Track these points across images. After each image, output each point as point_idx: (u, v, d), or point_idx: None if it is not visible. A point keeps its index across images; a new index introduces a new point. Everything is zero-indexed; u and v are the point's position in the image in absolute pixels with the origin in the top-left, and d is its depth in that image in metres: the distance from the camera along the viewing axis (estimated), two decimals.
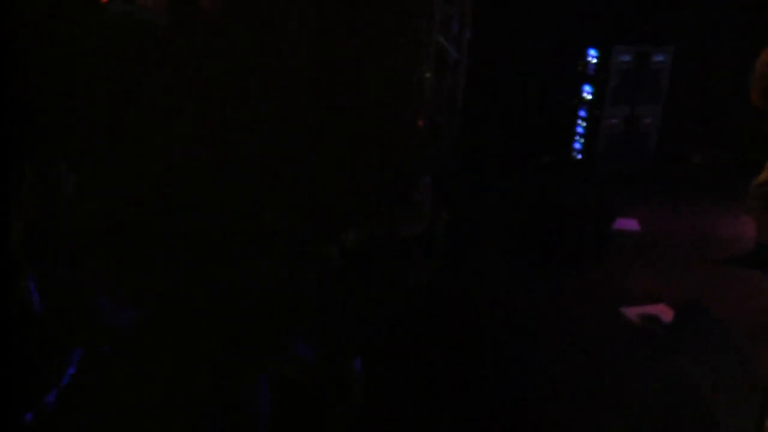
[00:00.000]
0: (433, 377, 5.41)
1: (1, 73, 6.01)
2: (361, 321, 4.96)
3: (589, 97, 9.39)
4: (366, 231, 4.88)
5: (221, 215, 5.11)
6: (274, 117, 6.99)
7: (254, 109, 7.04)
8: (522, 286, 6.82)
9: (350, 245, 5.02)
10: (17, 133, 6.21)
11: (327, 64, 7.55)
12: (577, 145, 9.57)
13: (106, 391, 4.88)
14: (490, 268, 6.91)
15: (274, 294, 5.06)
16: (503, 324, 6.29)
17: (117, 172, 6.58)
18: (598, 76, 9.27)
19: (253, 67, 7.11)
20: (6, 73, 6.09)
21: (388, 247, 4.94)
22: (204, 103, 7.12)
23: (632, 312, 6.40)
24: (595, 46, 9.28)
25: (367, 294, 4.78)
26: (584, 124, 9.47)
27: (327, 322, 4.98)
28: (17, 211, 5.21)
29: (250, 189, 6.10)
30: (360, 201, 6.03)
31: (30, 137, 6.19)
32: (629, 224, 8.09)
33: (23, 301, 5.14)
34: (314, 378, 4.77)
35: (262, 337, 4.63)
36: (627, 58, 9.21)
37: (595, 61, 9.29)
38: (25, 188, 5.24)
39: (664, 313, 6.35)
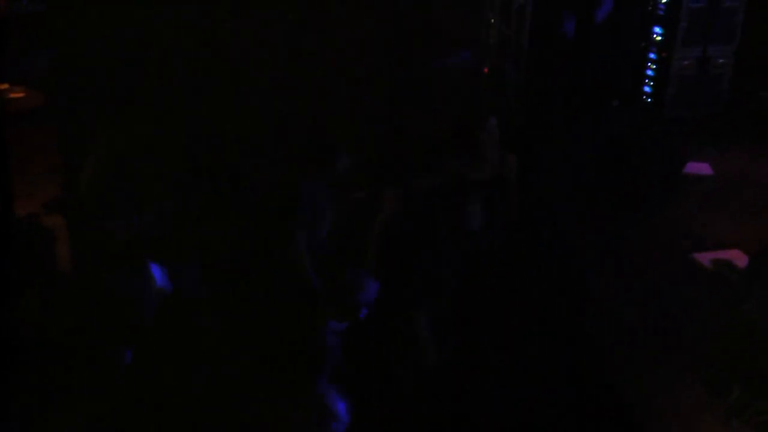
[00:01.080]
0: (503, 322, 5.41)
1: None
2: (425, 269, 4.94)
3: (659, 38, 9.14)
4: (432, 175, 4.85)
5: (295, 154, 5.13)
6: (345, 65, 6.99)
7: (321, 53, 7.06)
8: (592, 231, 6.75)
9: (414, 189, 4.99)
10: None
11: (391, 12, 7.51)
12: (647, 89, 9.35)
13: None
14: (559, 212, 6.84)
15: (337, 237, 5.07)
16: (573, 269, 6.24)
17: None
18: (668, 17, 9.00)
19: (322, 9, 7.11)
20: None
21: (456, 191, 4.90)
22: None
23: (705, 258, 6.29)
24: None
25: (432, 240, 4.76)
26: (654, 66, 9.24)
27: (391, 269, 4.98)
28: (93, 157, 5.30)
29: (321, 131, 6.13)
30: (425, 146, 6.01)
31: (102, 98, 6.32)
32: (701, 168, 7.91)
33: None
34: (381, 327, 4.79)
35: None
36: None
37: (665, 0, 9.03)
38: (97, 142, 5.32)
39: (738, 258, 6.22)
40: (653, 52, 9.23)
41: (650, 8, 9.13)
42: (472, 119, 4.97)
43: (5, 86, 6.41)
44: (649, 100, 9.30)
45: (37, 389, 4.68)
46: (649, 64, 9.27)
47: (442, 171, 4.85)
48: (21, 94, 6.42)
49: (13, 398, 4.58)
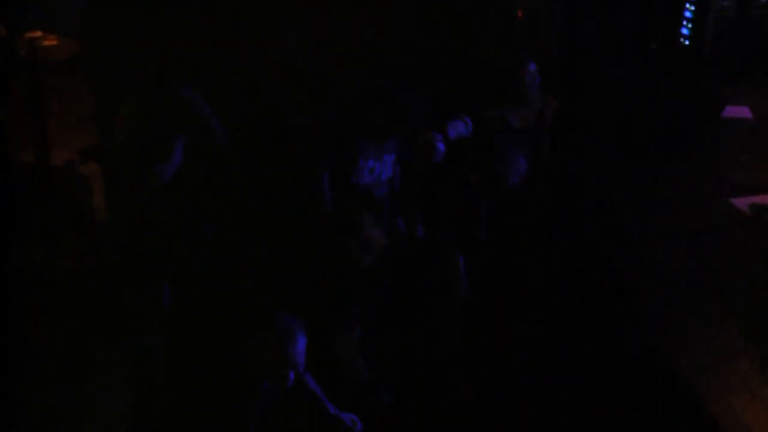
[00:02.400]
0: (537, 261, 5.40)
1: None
2: (461, 213, 4.92)
3: None
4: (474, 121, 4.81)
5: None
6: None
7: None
8: (628, 175, 6.69)
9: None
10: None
11: None
12: (685, 31, 9.18)
13: None
14: (597, 155, 6.78)
15: None
16: (609, 213, 6.21)
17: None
18: None
19: None
20: None
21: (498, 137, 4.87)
22: None
23: (743, 202, 6.22)
24: None
25: (471, 184, 4.72)
26: (692, 8, 9.05)
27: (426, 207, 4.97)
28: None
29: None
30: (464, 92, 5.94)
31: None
32: (740, 111, 7.78)
33: None
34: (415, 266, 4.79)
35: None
36: None
37: None
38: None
39: None
40: None
41: None
42: (512, 64, 4.90)
43: (38, 34, 6.39)
44: (687, 42, 9.14)
45: (76, 331, 4.78)
46: (687, 5, 9.08)
47: (484, 117, 4.79)
48: (54, 42, 6.40)
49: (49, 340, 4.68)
